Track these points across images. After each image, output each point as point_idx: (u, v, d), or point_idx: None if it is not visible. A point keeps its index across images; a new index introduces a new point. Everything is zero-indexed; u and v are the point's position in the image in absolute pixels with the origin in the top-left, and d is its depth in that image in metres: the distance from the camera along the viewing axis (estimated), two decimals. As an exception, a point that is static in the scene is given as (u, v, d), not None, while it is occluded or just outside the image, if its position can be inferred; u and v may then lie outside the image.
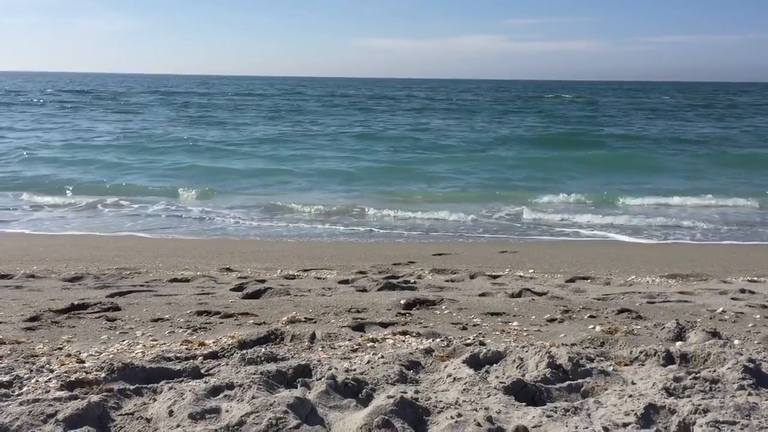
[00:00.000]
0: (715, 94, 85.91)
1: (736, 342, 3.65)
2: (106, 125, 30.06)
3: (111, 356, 3.35)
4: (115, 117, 35.41)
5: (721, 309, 4.64)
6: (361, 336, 3.87)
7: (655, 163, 20.12)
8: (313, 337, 3.78)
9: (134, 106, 43.99)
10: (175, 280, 5.92)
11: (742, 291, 5.52)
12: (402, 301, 4.80)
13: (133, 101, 50.25)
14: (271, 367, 3.03)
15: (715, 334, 3.79)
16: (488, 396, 2.71)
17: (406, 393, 2.66)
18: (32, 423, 2.38)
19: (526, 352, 3.21)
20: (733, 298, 5.19)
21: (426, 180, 16.76)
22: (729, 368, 2.94)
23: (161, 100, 53.33)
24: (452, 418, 2.44)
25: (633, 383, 2.89)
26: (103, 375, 2.88)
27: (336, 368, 3.05)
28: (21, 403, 2.54)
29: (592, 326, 4.18)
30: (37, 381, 2.88)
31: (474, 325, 4.23)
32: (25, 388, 2.80)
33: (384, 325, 4.17)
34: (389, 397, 2.61)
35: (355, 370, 3.05)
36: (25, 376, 2.95)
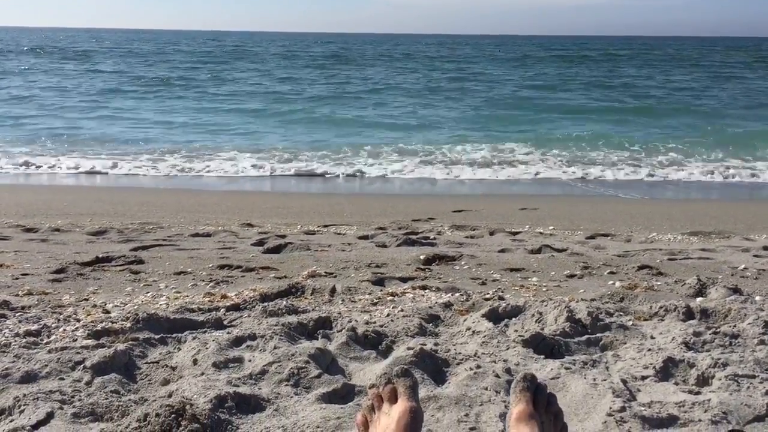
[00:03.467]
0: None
1: (757, 298, 3.63)
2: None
3: (136, 307, 3.42)
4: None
5: (743, 266, 4.61)
6: (381, 290, 3.91)
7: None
8: (333, 290, 3.82)
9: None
10: (196, 234, 5.98)
11: (765, 248, 5.46)
12: (421, 257, 4.81)
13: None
14: (293, 319, 3.07)
15: (736, 291, 3.77)
16: (507, 349, 2.74)
17: (425, 345, 2.69)
18: (61, 369, 2.45)
19: (545, 306, 3.22)
20: (755, 255, 5.14)
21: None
22: (749, 323, 2.94)
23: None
24: (471, 369, 2.47)
25: (652, 337, 2.90)
26: (128, 325, 2.95)
27: (356, 321, 3.09)
28: (50, 351, 2.62)
29: (611, 282, 4.18)
30: (64, 330, 2.95)
31: (493, 281, 4.24)
32: (53, 337, 2.87)
33: (403, 280, 4.20)
34: (409, 348, 2.64)
35: (375, 322, 3.08)
36: (53, 325, 3.02)
